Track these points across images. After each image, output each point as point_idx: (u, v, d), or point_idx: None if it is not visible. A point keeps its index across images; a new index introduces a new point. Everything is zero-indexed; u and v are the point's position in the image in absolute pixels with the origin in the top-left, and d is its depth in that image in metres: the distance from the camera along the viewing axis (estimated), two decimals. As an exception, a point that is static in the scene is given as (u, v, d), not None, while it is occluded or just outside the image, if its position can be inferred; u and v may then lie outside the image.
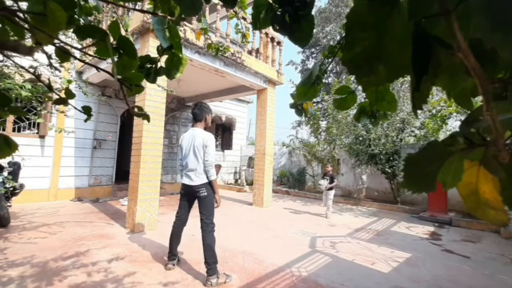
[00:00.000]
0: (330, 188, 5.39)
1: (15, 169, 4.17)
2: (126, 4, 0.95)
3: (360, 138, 6.93)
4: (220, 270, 2.53)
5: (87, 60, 3.20)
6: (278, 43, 6.39)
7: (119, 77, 0.74)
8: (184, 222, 2.77)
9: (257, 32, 5.73)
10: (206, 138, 2.62)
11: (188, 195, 2.68)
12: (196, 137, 2.63)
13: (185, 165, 2.68)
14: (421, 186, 0.33)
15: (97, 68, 0.81)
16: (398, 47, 0.33)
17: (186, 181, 2.64)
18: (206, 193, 2.57)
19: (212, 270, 2.42)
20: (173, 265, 2.71)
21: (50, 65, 0.93)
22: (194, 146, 2.62)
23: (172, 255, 2.73)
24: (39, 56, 1.43)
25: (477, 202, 0.30)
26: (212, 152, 2.62)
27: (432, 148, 0.32)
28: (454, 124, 7.10)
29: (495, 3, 0.25)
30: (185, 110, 8.63)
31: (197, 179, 2.58)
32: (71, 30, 0.69)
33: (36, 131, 5.69)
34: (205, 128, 2.82)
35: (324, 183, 5.42)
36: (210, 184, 2.61)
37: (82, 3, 0.70)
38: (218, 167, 6.60)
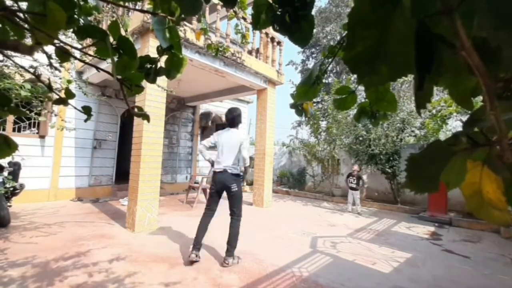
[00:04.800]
0: (356, 189, 5.90)
1: (15, 169, 4.17)
2: (126, 4, 0.95)
3: (360, 138, 6.93)
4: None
5: (87, 60, 3.20)
6: (278, 43, 6.38)
7: (119, 77, 0.74)
8: (213, 213, 3.00)
9: (257, 32, 5.73)
10: (244, 138, 3.03)
11: (220, 188, 2.95)
12: (234, 135, 3.02)
13: (219, 160, 2.98)
14: (424, 186, 0.33)
15: (97, 68, 0.81)
16: (401, 45, 0.33)
17: (219, 175, 2.94)
18: (236, 189, 2.92)
19: (231, 253, 2.83)
20: (196, 255, 2.79)
21: (50, 65, 0.93)
22: (232, 142, 2.97)
23: (197, 244, 2.84)
24: (39, 56, 1.43)
25: (481, 202, 0.30)
26: (248, 151, 3.05)
27: (434, 148, 0.32)
28: (454, 124, 7.10)
29: (499, 1, 0.25)
30: (185, 110, 8.63)
31: (228, 172, 2.92)
32: (71, 30, 0.69)
33: (36, 131, 5.69)
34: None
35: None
36: (240, 180, 3.00)
37: (81, 3, 0.70)
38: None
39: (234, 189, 2.88)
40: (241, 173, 3.00)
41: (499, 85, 0.29)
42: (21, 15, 0.58)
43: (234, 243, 2.86)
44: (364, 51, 0.34)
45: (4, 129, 5.29)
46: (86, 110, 0.87)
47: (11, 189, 3.87)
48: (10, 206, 3.95)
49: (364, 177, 7.83)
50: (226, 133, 3.06)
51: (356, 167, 6.06)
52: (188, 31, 4.25)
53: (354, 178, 5.88)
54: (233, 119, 3.11)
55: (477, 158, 0.29)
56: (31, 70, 2.26)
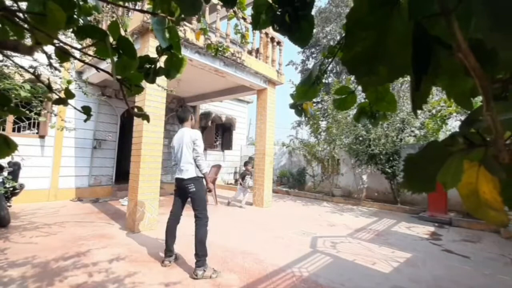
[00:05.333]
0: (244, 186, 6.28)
1: (15, 169, 4.17)
2: (126, 4, 0.95)
3: (360, 138, 6.93)
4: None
5: (87, 60, 3.21)
6: (278, 43, 6.39)
7: (119, 77, 0.74)
8: (177, 218, 2.88)
9: (257, 32, 5.73)
10: (193, 134, 2.82)
11: (179, 190, 2.86)
12: (185, 134, 2.81)
13: (178, 163, 2.86)
14: (421, 186, 0.33)
15: (97, 68, 0.81)
16: (398, 47, 0.33)
17: (178, 176, 2.83)
18: (194, 189, 2.73)
19: (201, 262, 2.55)
20: (170, 262, 2.76)
21: (50, 65, 0.93)
22: (183, 143, 2.80)
23: (169, 251, 2.78)
24: (39, 56, 1.43)
25: (477, 202, 0.30)
26: (201, 145, 2.82)
27: (432, 149, 0.32)
28: (454, 124, 7.10)
29: (495, 3, 0.25)
30: (185, 110, 8.63)
31: (186, 174, 2.75)
32: (71, 30, 0.69)
33: (36, 131, 5.69)
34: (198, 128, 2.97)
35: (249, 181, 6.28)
36: (202, 177, 2.80)
37: (81, 3, 0.70)
38: (218, 167, 6.61)
39: (192, 189, 2.70)
40: (198, 176, 2.76)
41: (495, 86, 0.29)
42: (21, 15, 0.58)
43: (201, 252, 2.56)
44: (363, 52, 0.35)
45: (4, 129, 5.29)
46: (86, 110, 0.87)
47: (11, 189, 3.87)
48: (10, 206, 3.95)
49: (364, 177, 7.83)
50: (178, 133, 2.92)
51: (249, 167, 6.40)
52: (188, 31, 4.25)
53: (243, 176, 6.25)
54: (178, 117, 2.97)
55: (474, 159, 0.30)
56: (31, 70, 2.26)
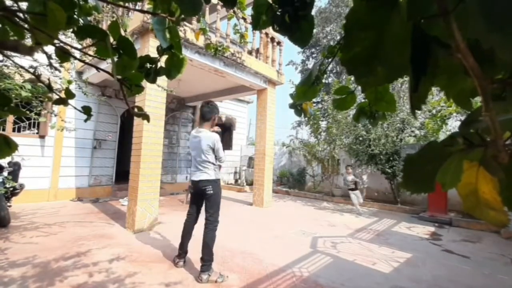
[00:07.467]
0: (356, 189, 6.12)
1: (15, 169, 4.17)
2: (126, 4, 0.95)
3: (360, 138, 6.93)
4: (216, 269, 2.60)
5: (87, 60, 3.20)
6: (278, 43, 6.38)
7: (119, 77, 0.74)
8: (195, 219, 2.83)
9: (257, 32, 5.73)
10: (212, 139, 2.69)
11: (196, 192, 2.75)
12: (202, 139, 2.68)
13: (193, 164, 2.77)
14: (420, 186, 0.33)
15: (97, 68, 0.81)
16: (397, 47, 0.33)
17: (194, 179, 2.71)
18: (212, 191, 2.63)
19: (206, 267, 2.48)
20: (184, 263, 2.76)
21: (50, 65, 0.93)
22: (201, 147, 2.66)
23: (183, 252, 2.77)
24: (39, 56, 1.43)
25: (477, 202, 0.30)
26: (221, 149, 2.75)
27: (431, 149, 0.32)
28: (454, 124, 7.09)
29: (493, 4, 0.25)
30: (185, 110, 8.64)
31: (204, 175, 2.65)
32: (71, 30, 0.69)
33: (36, 131, 5.69)
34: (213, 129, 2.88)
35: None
36: (216, 182, 2.68)
37: (81, 3, 0.70)
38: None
39: (209, 192, 2.62)
40: (217, 178, 2.69)
41: (494, 86, 0.29)
42: (21, 15, 0.58)
43: (207, 256, 2.49)
44: (362, 53, 0.35)
45: (4, 129, 5.29)
46: (86, 110, 0.87)
47: (11, 189, 3.87)
48: (10, 206, 3.95)
49: (364, 177, 7.83)
50: (195, 136, 2.77)
51: (350, 170, 6.33)
52: (188, 31, 4.25)
53: (351, 181, 6.14)
54: (202, 115, 2.80)
55: (473, 159, 0.30)
56: (31, 70, 2.26)
